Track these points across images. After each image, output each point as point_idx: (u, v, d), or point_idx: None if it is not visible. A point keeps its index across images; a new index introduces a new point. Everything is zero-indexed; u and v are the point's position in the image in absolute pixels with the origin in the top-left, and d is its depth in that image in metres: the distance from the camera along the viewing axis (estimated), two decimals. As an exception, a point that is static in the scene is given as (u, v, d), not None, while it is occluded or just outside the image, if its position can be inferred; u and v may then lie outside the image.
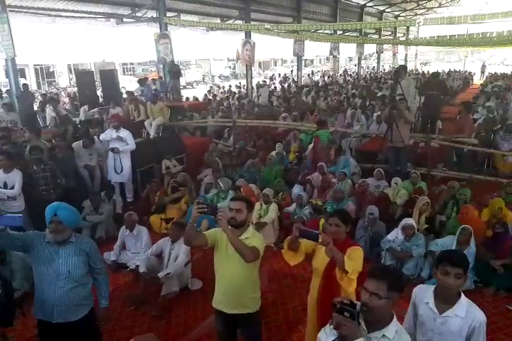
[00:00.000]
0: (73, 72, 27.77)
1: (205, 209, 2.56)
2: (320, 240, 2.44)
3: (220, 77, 34.72)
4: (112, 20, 14.94)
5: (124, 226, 4.96)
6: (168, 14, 14.48)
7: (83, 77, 12.52)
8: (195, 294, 4.37)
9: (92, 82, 12.34)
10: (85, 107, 10.35)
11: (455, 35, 12.79)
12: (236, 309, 2.76)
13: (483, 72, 28.62)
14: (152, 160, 7.41)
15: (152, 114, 8.81)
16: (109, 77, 12.19)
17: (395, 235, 4.76)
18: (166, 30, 13.99)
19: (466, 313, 2.11)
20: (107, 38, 24.78)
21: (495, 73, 24.71)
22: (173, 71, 12.62)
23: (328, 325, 1.88)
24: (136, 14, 14.53)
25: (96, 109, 10.46)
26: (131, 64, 34.18)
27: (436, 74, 9.04)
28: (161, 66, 14.88)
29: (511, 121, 8.90)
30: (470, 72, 28.75)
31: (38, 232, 2.77)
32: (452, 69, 28.53)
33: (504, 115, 10.22)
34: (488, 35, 11.57)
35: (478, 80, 26.17)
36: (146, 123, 8.91)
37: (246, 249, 2.56)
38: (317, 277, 2.79)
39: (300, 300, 4.04)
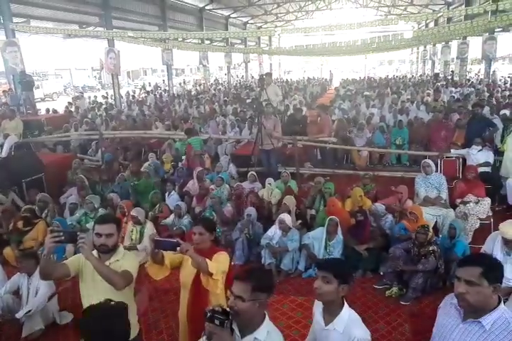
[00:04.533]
0: None
1: (62, 237, 2.25)
2: (178, 249, 2.30)
3: (83, 87, 32.30)
4: None
5: (-32, 264, 4.19)
6: (16, 20, 12.94)
7: None
8: (65, 329, 3.87)
9: None
10: None
11: (310, 45, 14.14)
12: None
13: (330, 80, 31.76)
14: (3, 183, 6.42)
15: (4, 131, 7.75)
16: None
17: (274, 231, 4.93)
18: (14, 37, 12.47)
19: (345, 328, 1.97)
20: None
21: (347, 79, 27.71)
22: (25, 82, 11.29)
23: (202, 337, 1.80)
24: (-26, 19, 12.67)
25: None
26: (-26, 75, 29.66)
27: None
28: (11, 77, 13.20)
29: (362, 121, 10.02)
30: (326, 79, 31.82)
31: None
32: (311, 77, 31.25)
33: (356, 115, 11.48)
34: (338, 45, 13.03)
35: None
36: (-6, 143, 7.80)
37: (116, 276, 2.31)
38: (185, 291, 2.64)
39: (184, 315, 3.87)
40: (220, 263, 2.47)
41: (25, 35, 13.90)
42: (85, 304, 2.55)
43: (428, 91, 15.61)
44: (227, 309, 1.73)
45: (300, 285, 4.55)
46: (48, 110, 14.05)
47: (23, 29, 12.98)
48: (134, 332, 2.63)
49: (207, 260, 2.37)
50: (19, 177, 6.65)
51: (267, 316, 1.88)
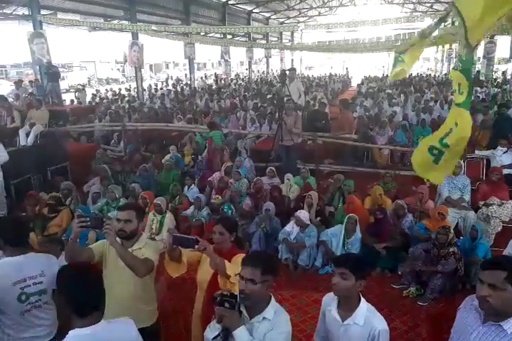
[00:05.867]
0: None
1: (88, 223, 2.35)
2: (196, 246, 2.27)
3: (107, 79, 32.75)
4: (-24, 16, 13.20)
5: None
6: (43, 12, 13.21)
7: None
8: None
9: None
10: None
11: (333, 41, 14.00)
12: None
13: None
14: (29, 170, 6.64)
15: (29, 120, 7.93)
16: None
17: (292, 226, 4.96)
18: (41, 28, 12.75)
19: (365, 321, 2.02)
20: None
21: (369, 76, 27.32)
22: (51, 73, 11.53)
23: (212, 321, 1.91)
24: (4, 11, 13.00)
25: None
26: (3, 66, 30.57)
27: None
28: (38, 68, 13.51)
29: (384, 118, 9.89)
30: (348, 76, 31.47)
31: None
32: (333, 73, 30.97)
33: (378, 113, 11.33)
34: (361, 42, 12.85)
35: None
36: (20, 131, 8.00)
37: (138, 263, 2.38)
38: (201, 291, 2.60)
39: (201, 305, 3.92)
40: (239, 266, 2.37)
41: (52, 27, 14.16)
42: (107, 290, 2.59)
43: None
44: (235, 293, 1.81)
45: (317, 281, 4.56)
46: (72, 101, 14.33)
47: (50, 21, 13.23)
48: (153, 318, 2.71)
49: (225, 261, 2.32)
50: (44, 165, 6.85)
51: (272, 297, 1.97)
